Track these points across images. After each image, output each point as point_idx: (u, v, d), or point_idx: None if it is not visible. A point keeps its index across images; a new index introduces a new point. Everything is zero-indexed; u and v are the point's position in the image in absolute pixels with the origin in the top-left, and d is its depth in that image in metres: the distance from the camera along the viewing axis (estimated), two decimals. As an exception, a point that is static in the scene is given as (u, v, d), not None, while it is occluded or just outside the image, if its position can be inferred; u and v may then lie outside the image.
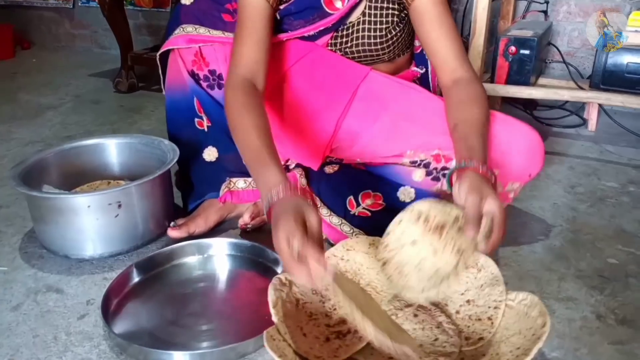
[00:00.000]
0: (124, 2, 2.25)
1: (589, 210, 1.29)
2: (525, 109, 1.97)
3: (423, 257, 0.81)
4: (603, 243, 1.15)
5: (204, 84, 1.20)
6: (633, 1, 1.94)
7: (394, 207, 1.09)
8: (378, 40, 1.10)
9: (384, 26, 1.08)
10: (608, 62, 1.58)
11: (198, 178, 1.23)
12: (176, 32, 1.18)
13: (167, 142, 1.20)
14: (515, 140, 1.02)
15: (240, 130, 0.95)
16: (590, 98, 1.55)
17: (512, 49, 1.57)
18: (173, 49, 1.20)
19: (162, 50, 1.22)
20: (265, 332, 0.76)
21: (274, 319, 0.79)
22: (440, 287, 0.80)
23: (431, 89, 1.21)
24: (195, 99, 1.20)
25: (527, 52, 1.56)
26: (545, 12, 1.98)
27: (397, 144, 1.09)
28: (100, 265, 1.06)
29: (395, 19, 1.09)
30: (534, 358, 0.71)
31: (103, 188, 1.21)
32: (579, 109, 1.94)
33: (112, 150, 1.26)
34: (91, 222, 1.02)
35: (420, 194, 1.09)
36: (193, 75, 1.19)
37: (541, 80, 1.78)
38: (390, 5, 1.08)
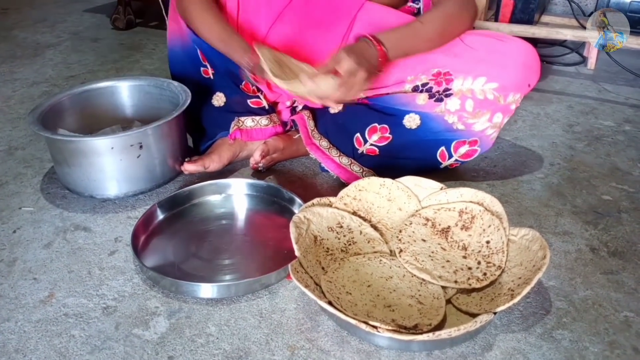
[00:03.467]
0: None
1: (585, 149, 1.35)
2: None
3: (434, 250, 0.91)
4: (598, 180, 1.21)
5: None
6: None
7: (401, 138, 1.15)
8: None
9: None
10: (611, 1, 1.59)
11: (208, 122, 1.26)
12: None
13: (176, 83, 1.22)
14: (511, 55, 1.08)
15: (205, 24, 1.16)
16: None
17: (517, -14, 1.57)
18: None
19: None
20: (289, 265, 0.83)
21: (297, 253, 0.86)
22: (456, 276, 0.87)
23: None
24: (198, 50, 1.21)
25: (532, -10, 1.57)
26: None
27: (395, 72, 1.12)
28: (123, 205, 1.12)
29: None
30: (534, 286, 0.78)
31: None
32: (579, 46, 1.96)
33: (124, 92, 1.28)
34: (115, 163, 1.06)
35: (425, 118, 1.14)
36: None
37: (544, 18, 1.79)
38: None
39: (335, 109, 1.20)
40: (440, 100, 1.13)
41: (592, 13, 1.96)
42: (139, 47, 2.10)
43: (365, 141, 1.19)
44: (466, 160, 1.17)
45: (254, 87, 1.24)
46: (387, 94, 1.16)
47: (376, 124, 1.18)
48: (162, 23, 2.38)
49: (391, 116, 1.17)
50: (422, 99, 1.14)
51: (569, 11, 1.85)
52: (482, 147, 1.15)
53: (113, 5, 2.58)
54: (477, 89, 1.09)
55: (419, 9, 1.23)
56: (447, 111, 1.12)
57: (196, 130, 1.30)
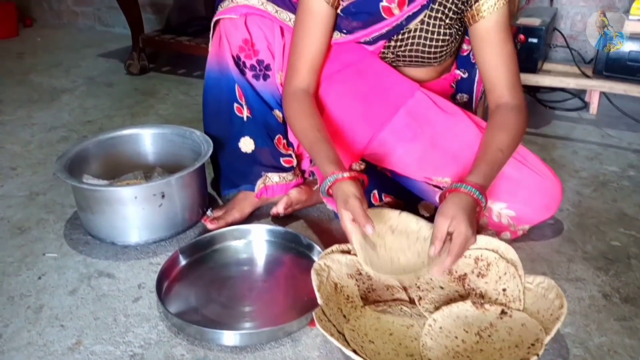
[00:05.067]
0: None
1: (592, 194, 1.39)
2: (529, 92, 2.04)
3: (452, 298, 0.94)
4: (606, 226, 1.24)
5: (249, 74, 1.22)
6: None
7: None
8: (432, 49, 1.14)
9: (441, 37, 1.12)
10: (610, 52, 1.65)
11: (231, 166, 1.28)
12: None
13: (199, 133, 1.27)
14: (536, 195, 1.11)
15: (302, 132, 1.09)
16: (594, 86, 1.63)
17: (521, 37, 1.64)
18: (221, 20, 1.20)
19: (218, 17, 1.21)
20: (314, 313, 0.85)
21: (320, 301, 0.88)
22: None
23: (474, 94, 1.28)
24: (236, 85, 1.22)
25: (535, 40, 1.63)
26: (550, 0, 2.04)
27: (427, 169, 1.13)
28: (145, 251, 1.14)
29: (452, 30, 1.12)
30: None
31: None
32: (581, 92, 2.02)
33: (147, 140, 1.32)
34: (137, 212, 1.09)
35: None
36: (238, 60, 1.21)
37: (546, 66, 1.85)
38: (449, 20, 1.10)
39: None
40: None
41: (591, 60, 2.03)
42: (153, 92, 2.16)
43: (381, 199, 1.22)
44: None
45: (284, 142, 1.27)
46: (414, 179, 1.17)
47: (393, 196, 1.21)
48: (175, 68, 2.45)
49: (409, 195, 1.21)
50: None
51: (569, 58, 1.92)
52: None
53: (126, 51, 2.67)
54: (495, 210, 1.12)
55: (463, 77, 1.27)
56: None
57: (216, 168, 1.31)
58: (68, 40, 3.02)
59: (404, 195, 1.21)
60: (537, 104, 1.98)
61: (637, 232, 1.22)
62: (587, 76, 1.70)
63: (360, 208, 0.93)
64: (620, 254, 1.15)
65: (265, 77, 1.23)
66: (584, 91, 2.00)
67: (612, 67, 1.66)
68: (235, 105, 1.24)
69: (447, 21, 1.11)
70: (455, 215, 0.92)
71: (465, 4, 1.08)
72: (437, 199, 1.08)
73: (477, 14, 1.07)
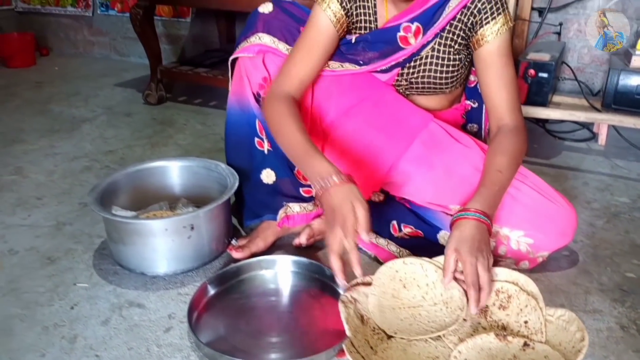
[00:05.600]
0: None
1: (605, 226, 1.42)
2: (538, 122, 2.09)
3: (475, 329, 0.97)
4: (620, 258, 1.28)
5: None
6: None
7: (430, 244, 1.21)
8: (443, 75, 1.20)
9: (451, 62, 1.18)
10: (619, 84, 1.70)
11: (254, 197, 1.32)
12: (251, 39, 1.23)
13: (224, 165, 1.32)
14: (553, 223, 1.14)
15: (284, 133, 1.11)
16: (604, 120, 1.67)
17: (532, 72, 1.69)
18: (240, 59, 1.26)
19: (234, 55, 1.27)
20: (343, 345, 0.89)
21: (348, 333, 0.91)
22: None
23: (483, 123, 1.33)
24: (257, 120, 1.27)
25: (545, 75, 1.69)
26: (558, 34, 2.10)
27: (444, 196, 1.17)
28: (173, 281, 1.18)
29: (461, 56, 1.19)
30: (575, 367, 0.83)
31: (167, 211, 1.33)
32: (589, 123, 2.06)
33: (174, 172, 1.37)
34: (167, 243, 1.13)
35: None
36: (258, 97, 1.27)
37: (555, 98, 1.90)
38: (457, 46, 1.17)
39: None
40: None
41: (599, 92, 2.08)
42: (171, 122, 2.22)
43: (400, 230, 1.26)
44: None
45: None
46: (432, 208, 1.21)
47: (413, 226, 1.24)
48: (191, 98, 2.52)
49: (428, 226, 1.23)
50: None
51: (577, 89, 1.97)
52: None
53: (141, 80, 2.75)
54: (513, 239, 1.15)
55: (474, 107, 1.33)
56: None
57: (238, 198, 1.36)
58: (85, 70, 3.10)
59: (423, 226, 1.24)
60: (546, 135, 2.03)
61: (651, 264, 1.25)
62: (596, 108, 1.74)
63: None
64: (635, 285, 1.18)
65: None
66: (592, 122, 2.04)
67: (620, 100, 1.71)
68: (256, 139, 1.29)
69: (456, 47, 1.18)
70: (457, 247, 0.98)
71: (471, 30, 1.15)
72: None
73: (482, 39, 1.14)
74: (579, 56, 2.21)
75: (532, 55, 1.73)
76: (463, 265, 0.96)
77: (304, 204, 1.31)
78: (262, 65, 1.25)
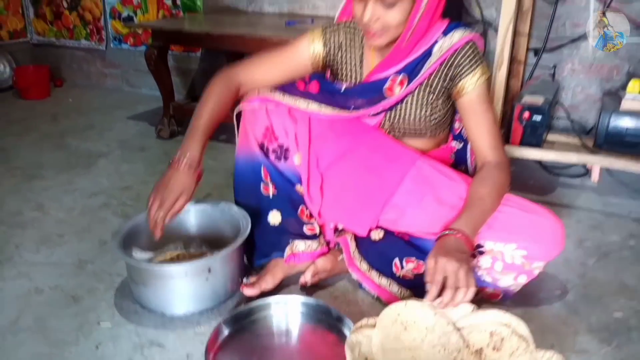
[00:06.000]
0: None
1: (595, 265, 1.50)
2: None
3: None
4: (609, 298, 1.36)
5: (272, 156, 1.39)
6: (632, 61, 2.16)
7: None
8: (423, 120, 1.33)
9: (430, 109, 1.32)
10: (610, 125, 1.79)
11: (262, 238, 1.42)
12: (251, 92, 1.36)
13: (236, 208, 1.41)
14: (541, 230, 1.23)
15: (201, 107, 1.30)
16: (595, 162, 1.76)
17: (526, 114, 1.79)
18: (243, 112, 1.38)
19: (238, 110, 1.39)
20: (350, 387, 0.97)
21: (354, 375, 0.99)
22: None
23: (469, 161, 1.43)
24: (262, 167, 1.38)
25: (539, 118, 1.78)
26: (553, 75, 2.20)
27: (438, 225, 1.25)
28: (190, 321, 1.26)
29: (439, 101, 1.31)
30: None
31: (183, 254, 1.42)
32: (582, 160, 2.15)
33: (191, 215, 1.46)
34: (186, 286, 1.22)
35: None
36: (262, 147, 1.38)
37: (549, 136, 2.00)
38: (437, 94, 1.30)
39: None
40: (473, 255, 1.25)
41: (592, 129, 2.17)
42: (183, 156, 2.31)
43: (402, 267, 1.34)
44: (490, 299, 1.31)
45: (307, 212, 1.41)
46: (429, 237, 1.29)
47: (414, 258, 1.33)
48: (201, 132, 2.62)
49: (426, 255, 1.31)
50: None
51: (570, 126, 2.06)
52: (506, 296, 1.31)
53: (153, 113, 2.86)
54: (507, 253, 1.24)
55: (459, 149, 1.44)
56: (478, 267, 1.26)
57: (247, 238, 1.44)
58: (98, 102, 3.22)
59: (423, 256, 1.31)
60: (542, 171, 2.12)
61: (638, 304, 1.33)
62: (588, 148, 1.83)
63: None
64: (621, 325, 1.26)
65: (286, 158, 1.39)
66: (586, 159, 2.13)
67: (611, 141, 1.79)
68: (262, 185, 1.40)
69: (436, 95, 1.31)
70: (436, 254, 1.10)
71: (452, 81, 1.28)
72: None
73: (462, 90, 1.27)
74: (573, 94, 2.30)
75: (527, 99, 1.83)
76: (446, 271, 1.07)
77: (309, 242, 1.40)
78: (264, 115, 1.36)
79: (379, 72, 1.32)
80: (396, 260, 1.35)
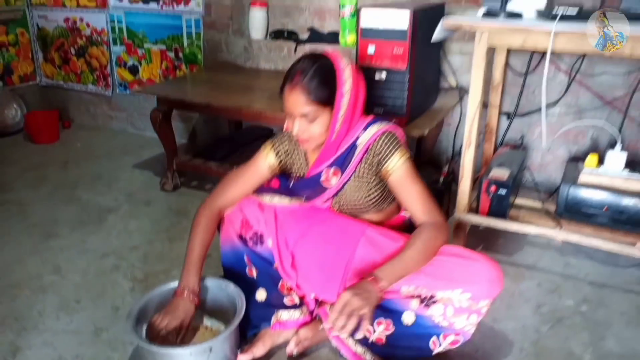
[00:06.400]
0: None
1: (548, 332, 1.71)
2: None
3: None
4: (556, 366, 1.57)
5: (250, 243, 1.65)
6: (595, 127, 2.37)
7: (401, 330, 1.52)
8: (363, 199, 1.61)
9: (365, 190, 1.60)
10: (569, 197, 2.00)
11: (252, 312, 1.64)
12: None
13: (232, 286, 1.61)
14: (480, 274, 1.47)
15: (191, 240, 1.60)
16: (553, 235, 1.96)
17: (492, 188, 2.00)
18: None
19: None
20: None
21: None
22: None
23: None
24: (245, 255, 1.65)
25: (504, 192, 1.99)
26: (520, 145, 2.41)
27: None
28: (193, 392, 1.47)
29: (373, 184, 1.59)
30: None
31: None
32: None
33: (193, 291, 1.67)
34: (191, 365, 1.43)
35: (418, 318, 1.51)
36: (241, 237, 1.65)
37: (518, 200, 2.21)
38: (370, 178, 1.58)
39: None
40: (427, 305, 1.50)
41: (555, 191, 2.37)
42: (185, 212, 2.52)
43: (374, 331, 1.56)
44: (453, 347, 1.53)
45: (287, 286, 1.64)
46: (389, 298, 1.52)
47: (382, 318, 1.55)
48: (201, 183, 2.83)
49: (393, 313, 1.54)
50: (414, 303, 1.51)
51: (540, 186, 2.28)
52: (464, 338, 1.52)
53: (157, 160, 3.08)
54: (455, 298, 1.47)
55: (409, 217, 1.66)
56: (433, 314, 1.50)
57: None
58: (105, 147, 3.42)
59: (389, 315, 1.53)
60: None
61: (580, 373, 1.54)
62: (550, 214, 2.05)
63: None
64: (564, 394, 1.47)
65: (262, 242, 1.65)
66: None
67: (570, 210, 2.00)
68: (247, 269, 1.66)
69: (369, 178, 1.58)
70: (347, 292, 1.36)
71: (378, 166, 1.55)
72: (412, 306, 1.51)
73: (388, 172, 1.54)
74: (542, 155, 2.51)
75: (494, 173, 2.04)
76: (345, 301, 1.33)
77: (292, 311, 1.64)
78: (238, 211, 1.66)
79: (315, 168, 1.62)
80: (368, 327, 1.55)
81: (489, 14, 1.80)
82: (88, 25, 3.55)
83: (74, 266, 2.09)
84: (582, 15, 1.74)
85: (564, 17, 1.67)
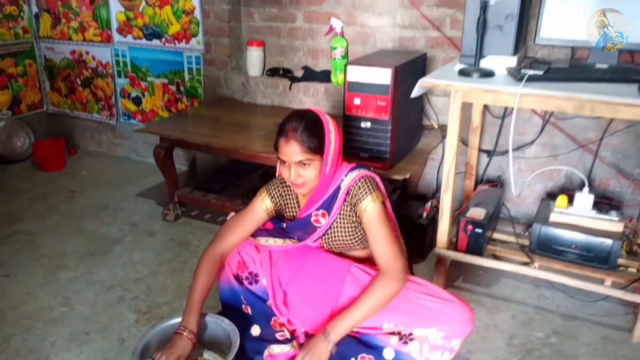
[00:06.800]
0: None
1: (518, 364, 1.87)
2: (487, 246, 2.55)
3: None
4: (523, 397, 1.73)
5: (245, 282, 1.82)
6: (569, 165, 2.53)
7: None
8: (348, 238, 1.79)
9: (350, 227, 1.77)
10: (541, 234, 2.16)
11: (248, 346, 1.80)
12: None
13: (227, 322, 1.77)
14: (453, 315, 1.63)
15: (195, 284, 1.74)
16: (525, 272, 2.13)
17: (470, 227, 2.16)
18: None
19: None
20: None
21: None
22: None
23: None
24: (241, 295, 1.81)
25: (480, 230, 2.15)
26: (499, 181, 2.58)
27: (376, 319, 1.66)
28: (193, 421, 1.63)
29: (355, 224, 1.76)
30: None
31: None
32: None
33: (192, 326, 1.83)
34: (191, 394, 1.59)
35: (397, 353, 1.66)
36: (238, 277, 1.81)
37: (495, 234, 2.37)
38: (353, 218, 1.76)
39: None
40: (406, 342, 1.66)
41: (529, 228, 2.53)
42: (186, 243, 2.69)
43: None
44: None
45: (279, 322, 1.80)
46: (370, 334, 1.69)
47: (365, 354, 1.71)
48: (201, 214, 2.99)
49: (375, 349, 1.70)
50: (394, 340, 1.67)
51: (517, 219, 2.43)
52: None
53: (158, 189, 3.24)
54: (431, 336, 1.64)
55: None
56: (411, 351, 1.66)
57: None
58: (110, 174, 3.59)
59: (371, 351, 1.68)
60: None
61: (543, 403, 1.70)
62: (524, 248, 2.21)
63: None
64: None
65: (256, 281, 1.81)
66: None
67: (542, 247, 2.16)
68: (243, 306, 1.82)
69: (352, 218, 1.76)
70: (301, 351, 1.58)
71: (354, 207, 1.73)
72: (391, 342, 1.66)
73: (361, 212, 1.71)
74: (521, 189, 2.68)
75: (471, 213, 2.20)
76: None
77: (282, 345, 1.79)
78: (236, 253, 1.82)
79: (305, 211, 1.80)
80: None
81: (463, 72, 1.97)
82: (94, 58, 3.73)
83: (83, 298, 2.26)
84: (549, 74, 1.92)
85: (531, 78, 1.84)
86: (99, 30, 3.63)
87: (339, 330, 1.61)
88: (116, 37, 3.57)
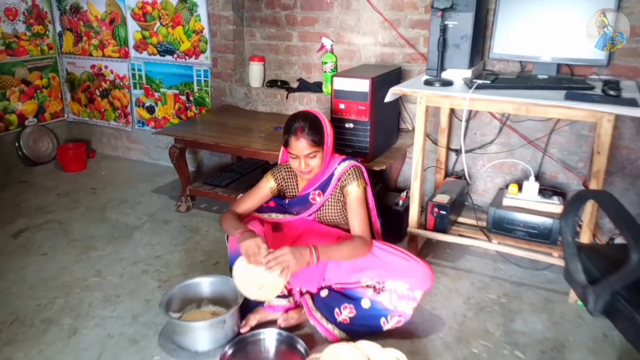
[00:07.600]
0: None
1: (472, 317, 2.29)
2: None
3: None
4: (473, 339, 2.15)
5: None
6: (524, 160, 2.98)
7: (360, 313, 2.11)
8: (337, 213, 2.25)
9: (338, 207, 2.24)
10: (495, 216, 2.61)
11: (252, 301, 2.22)
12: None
13: (232, 282, 2.20)
14: (415, 270, 2.08)
15: (228, 222, 2.17)
16: (480, 245, 2.57)
17: (436, 210, 2.60)
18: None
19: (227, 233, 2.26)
20: (301, 393, 1.76)
21: (304, 387, 1.79)
22: None
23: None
24: None
25: (444, 212, 2.60)
26: (464, 176, 3.03)
27: (356, 275, 2.12)
28: (209, 354, 2.04)
29: (342, 203, 2.22)
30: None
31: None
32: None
33: (205, 285, 2.27)
34: (210, 333, 2.01)
35: (373, 303, 2.10)
36: None
37: (460, 218, 2.82)
38: (341, 198, 2.21)
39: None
40: (379, 293, 2.10)
41: (488, 209, 2.96)
42: (197, 229, 3.12)
43: (341, 313, 2.14)
44: (398, 325, 2.11)
45: None
46: (351, 288, 2.14)
47: (346, 304, 2.14)
48: (210, 205, 3.42)
49: (355, 300, 2.13)
50: (370, 292, 2.11)
51: (479, 208, 2.88)
52: (405, 318, 2.11)
53: (171, 185, 3.68)
54: (398, 288, 2.08)
55: (381, 223, 2.32)
56: (383, 300, 2.09)
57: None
58: (126, 174, 4.02)
59: (352, 301, 2.12)
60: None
61: (489, 343, 2.12)
62: (483, 229, 2.65)
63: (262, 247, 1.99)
64: (475, 358, 2.04)
65: None
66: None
67: (496, 227, 2.61)
68: None
69: (340, 198, 2.22)
70: (287, 249, 1.96)
71: (342, 189, 2.19)
72: (368, 294, 2.12)
73: (346, 193, 2.19)
74: (484, 182, 3.12)
75: (437, 198, 2.65)
76: (281, 253, 1.96)
77: (281, 300, 2.21)
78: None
79: (305, 190, 2.27)
80: (337, 309, 2.14)
81: (428, 82, 2.43)
82: (112, 71, 4.19)
83: (112, 271, 2.68)
84: (496, 82, 2.38)
85: (480, 86, 2.30)
86: (117, 47, 4.09)
87: (322, 251, 2.03)
88: (133, 53, 4.03)
